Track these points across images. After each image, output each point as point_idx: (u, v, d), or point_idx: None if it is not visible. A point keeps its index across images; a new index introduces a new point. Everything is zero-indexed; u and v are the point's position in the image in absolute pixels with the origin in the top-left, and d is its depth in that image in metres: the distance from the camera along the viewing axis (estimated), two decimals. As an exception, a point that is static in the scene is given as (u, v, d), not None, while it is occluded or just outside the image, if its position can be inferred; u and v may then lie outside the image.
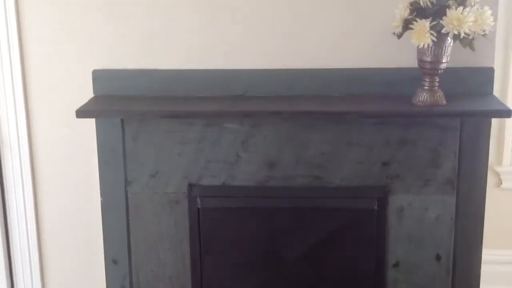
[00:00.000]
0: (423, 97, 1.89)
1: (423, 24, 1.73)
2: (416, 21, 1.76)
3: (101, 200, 2.22)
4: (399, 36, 1.84)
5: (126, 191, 2.14)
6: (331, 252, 2.12)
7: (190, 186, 2.09)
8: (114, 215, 2.19)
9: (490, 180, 2.57)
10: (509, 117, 1.84)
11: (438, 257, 2.09)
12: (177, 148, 2.06)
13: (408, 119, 1.96)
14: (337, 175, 2.04)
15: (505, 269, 2.66)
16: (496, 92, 2.16)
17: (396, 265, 2.11)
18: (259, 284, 2.18)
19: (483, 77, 2.01)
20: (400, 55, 1.97)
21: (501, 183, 2.60)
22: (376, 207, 2.03)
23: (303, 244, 2.12)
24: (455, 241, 2.13)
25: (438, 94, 1.89)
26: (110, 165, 2.13)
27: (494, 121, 2.52)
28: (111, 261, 2.25)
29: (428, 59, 1.84)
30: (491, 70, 2.00)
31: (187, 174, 2.09)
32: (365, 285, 2.13)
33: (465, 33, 1.70)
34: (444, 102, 1.90)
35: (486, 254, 2.63)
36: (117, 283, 2.25)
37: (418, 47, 1.82)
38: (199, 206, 2.10)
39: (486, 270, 2.63)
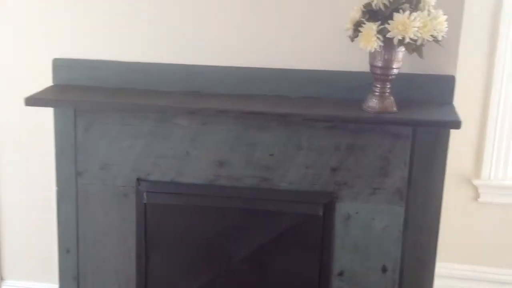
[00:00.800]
0: (372, 103, 1.86)
1: (371, 28, 1.71)
2: (366, 24, 1.74)
3: (56, 190, 2.23)
4: (352, 39, 1.82)
5: (76, 182, 2.14)
6: (276, 256, 2.09)
7: (138, 180, 2.08)
8: (67, 205, 2.19)
9: (468, 193, 2.56)
10: (457, 128, 1.80)
11: (384, 269, 2.05)
12: (128, 141, 2.06)
13: (358, 125, 1.94)
14: (285, 178, 2.02)
15: (481, 286, 2.60)
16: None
17: (340, 274, 2.07)
18: (203, 283, 2.15)
19: (444, 85, 1.97)
20: (359, 58, 1.93)
21: (479, 197, 2.55)
22: (321, 213, 2.00)
23: (248, 246, 2.09)
24: (405, 254, 2.09)
25: (388, 100, 1.86)
26: (65, 155, 2.14)
27: (473, 134, 2.51)
28: (64, 251, 2.25)
29: (379, 64, 1.81)
30: (451, 79, 1.96)
31: (136, 168, 2.08)
32: (310, 292, 2.10)
33: (411, 39, 1.68)
34: (395, 109, 1.87)
35: (462, 269, 2.61)
36: (70, 273, 2.25)
37: (369, 51, 1.81)
38: (145, 201, 2.09)
39: (461, 286, 2.60)
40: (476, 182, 2.52)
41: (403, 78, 1.95)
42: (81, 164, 2.11)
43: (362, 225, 2.03)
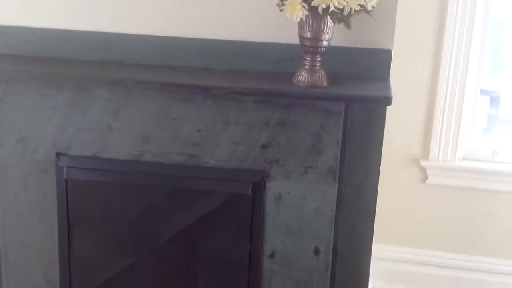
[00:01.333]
0: (302, 77, 1.75)
1: (296, -5, 1.59)
2: (291, -9, 1.62)
3: (-26, 164, 2.11)
4: (280, 8, 1.70)
5: (-6, 156, 2.02)
6: (205, 237, 1.99)
7: (58, 155, 1.96)
8: (-13, 181, 2.08)
9: (416, 175, 2.47)
10: (388, 104, 1.70)
11: (316, 251, 1.95)
12: (45, 113, 1.92)
13: (289, 100, 1.83)
14: (213, 155, 1.90)
15: (427, 270, 2.53)
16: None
17: (272, 255, 1.98)
18: (128, 264, 2.04)
19: (380, 60, 1.86)
20: (290, 29, 1.80)
21: (427, 179, 2.47)
22: (250, 192, 1.90)
23: (176, 225, 1.98)
24: (339, 236, 2.00)
25: (318, 74, 1.75)
26: (-17, 127, 2.02)
27: (421, 113, 2.42)
28: (-14, 229, 2.14)
29: (307, 35, 1.70)
30: (388, 53, 1.86)
31: (55, 142, 1.95)
32: (240, 274, 1.99)
33: (336, 7, 1.56)
34: (325, 83, 1.76)
35: (408, 253, 2.54)
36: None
37: (298, 22, 1.69)
38: (66, 177, 1.97)
39: (407, 269, 2.53)
40: (424, 163, 2.44)
41: (338, 51, 1.85)
42: (-3, 136, 1.99)
43: (294, 205, 1.92)
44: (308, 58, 1.75)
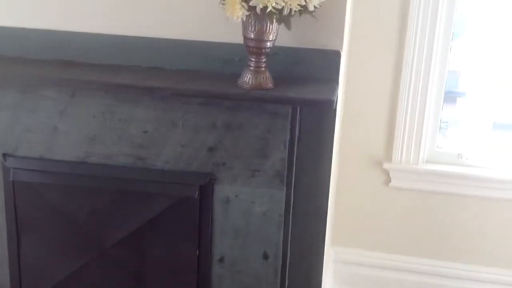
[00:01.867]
0: (247, 78, 1.71)
1: (235, -6, 1.55)
2: (231, -9, 1.58)
3: None
4: (223, 8, 1.66)
5: None
6: (152, 242, 1.95)
7: (4, 156, 1.93)
8: None
9: (379, 177, 2.43)
10: (330, 107, 1.66)
11: (265, 256, 1.92)
12: (-8, 113, 1.91)
13: (235, 102, 1.79)
14: (160, 157, 1.87)
15: (390, 274, 2.50)
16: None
17: (221, 260, 1.94)
18: (77, 266, 2.01)
19: (329, 61, 1.82)
20: (238, 29, 1.77)
21: (390, 181, 2.43)
22: (197, 196, 1.87)
23: (122, 229, 1.95)
24: (288, 241, 1.97)
25: (263, 76, 1.71)
26: None
27: (384, 115, 2.38)
28: None
29: (251, 36, 1.66)
30: (337, 54, 1.81)
31: (3, 142, 1.92)
32: (189, 279, 1.96)
33: (274, 8, 1.52)
34: (270, 85, 1.72)
35: (371, 256, 2.50)
36: None
37: (242, 22, 1.66)
38: (12, 179, 1.94)
39: (371, 274, 2.49)
40: (387, 165, 2.40)
41: (287, 52, 1.82)
42: None
43: (242, 209, 1.89)
44: (253, 59, 1.71)
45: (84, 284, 2.03)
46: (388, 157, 2.39)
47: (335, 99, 1.66)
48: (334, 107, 1.67)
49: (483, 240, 2.42)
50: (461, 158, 2.39)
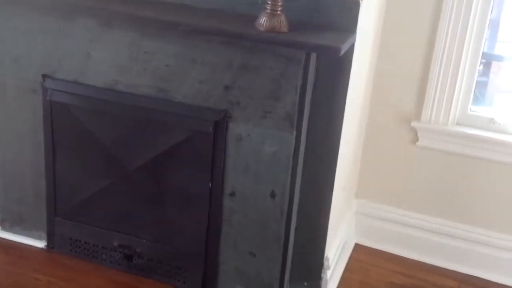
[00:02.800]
0: (262, 20, 1.76)
1: None
2: None
3: (-17, 79, 2.32)
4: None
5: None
6: (170, 170, 2.09)
7: (44, 77, 2.11)
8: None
9: (406, 135, 2.43)
10: (336, 54, 1.68)
11: (272, 194, 2.00)
12: (35, 36, 2.07)
13: (252, 44, 1.85)
14: (180, 91, 1.98)
15: (408, 231, 2.52)
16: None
17: (232, 194, 2.05)
18: (104, 185, 2.19)
19: (348, 11, 1.82)
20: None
21: (418, 140, 2.40)
22: (211, 130, 1.97)
23: (144, 154, 2.09)
24: (300, 183, 2.05)
25: (279, 19, 1.75)
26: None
27: (416, 73, 2.35)
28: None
29: (268, -22, 1.71)
30: (355, 5, 1.81)
31: (43, 64, 2.10)
32: (201, 208, 2.09)
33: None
34: (285, 29, 1.76)
35: (391, 212, 2.52)
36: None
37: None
38: (50, 99, 2.12)
39: (389, 228, 2.52)
40: (415, 124, 2.37)
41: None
42: (-4, 55, 2.17)
43: (253, 148, 1.97)
44: (270, 2, 1.75)
45: (109, 202, 2.21)
46: (418, 116, 2.36)
47: (342, 47, 1.68)
48: (339, 54, 1.69)
49: (508, 207, 2.37)
50: (493, 123, 2.31)
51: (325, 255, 2.14)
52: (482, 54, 2.27)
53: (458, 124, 2.35)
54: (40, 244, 2.36)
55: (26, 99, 2.17)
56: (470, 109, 2.35)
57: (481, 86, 2.43)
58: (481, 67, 2.36)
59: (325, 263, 2.15)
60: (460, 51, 2.22)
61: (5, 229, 2.41)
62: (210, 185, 2.05)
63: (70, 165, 2.22)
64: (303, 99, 1.89)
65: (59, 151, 2.21)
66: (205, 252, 2.14)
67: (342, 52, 1.70)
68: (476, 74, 2.30)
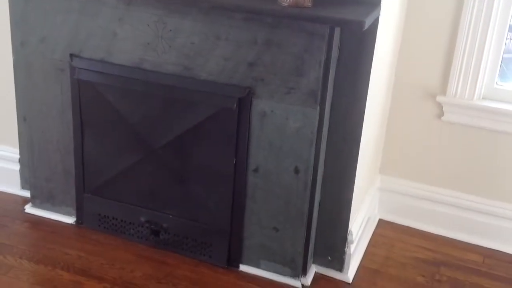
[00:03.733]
0: (286, -4, 1.77)
1: None
2: None
3: (12, 59, 2.36)
4: None
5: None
6: (195, 147, 2.12)
7: (71, 56, 2.14)
8: (21, 75, 2.32)
9: (432, 110, 2.42)
10: (360, 29, 1.67)
11: (296, 170, 2.02)
12: (61, 16, 2.10)
13: (275, 19, 1.85)
14: (205, 68, 1.99)
15: (433, 206, 2.52)
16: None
17: (256, 170, 2.07)
18: (131, 162, 2.23)
19: (372, -15, 1.83)
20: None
21: (443, 115, 2.39)
22: (235, 107, 1.98)
23: (170, 132, 2.12)
24: (324, 159, 2.06)
25: (303, -6, 1.76)
26: (17, 26, 2.23)
27: (442, 47, 2.33)
28: (22, 119, 2.41)
29: (291, -46, 1.70)
30: (380, -22, 1.81)
31: (70, 43, 2.14)
32: (226, 184, 2.11)
33: None
34: (309, 4, 1.76)
35: (416, 188, 2.53)
36: (25, 139, 2.42)
37: None
38: (77, 78, 2.15)
39: (414, 204, 2.52)
40: (440, 98, 2.36)
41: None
42: (23, 35, 2.20)
43: (277, 124, 1.99)
44: (293, -22, 1.75)
45: (136, 179, 2.25)
46: (443, 90, 2.35)
47: (366, 21, 1.67)
48: (363, 29, 1.68)
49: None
50: (520, 97, 2.30)
51: (349, 229, 2.16)
52: (510, 28, 2.23)
53: (484, 98, 2.33)
54: (70, 220, 2.43)
55: (54, 79, 2.21)
56: (497, 83, 2.33)
57: (509, 61, 2.39)
58: (508, 41, 2.33)
59: (349, 237, 2.17)
60: (486, 24, 2.20)
61: (35, 205, 2.48)
62: (234, 161, 2.08)
63: (98, 143, 2.26)
64: (326, 74, 1.89)
65: (87, 129, 2.25)
66: (230, 227, 2.17)
67: (366, 26, 1.70)
68: (503, 47, 2.27)
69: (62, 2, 2.07)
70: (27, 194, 2.52)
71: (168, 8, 1.96)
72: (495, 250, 2.44)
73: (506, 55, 2.38)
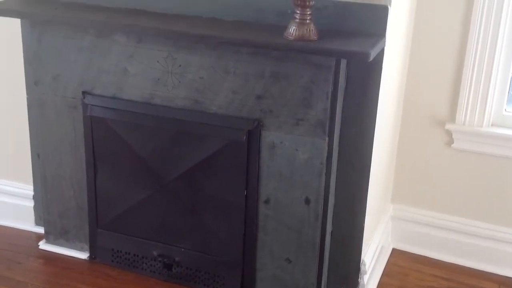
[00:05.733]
0: (292, 29, 1.80)
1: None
2: None
3: (26, 98, 2.41)
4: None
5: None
6: (206, 180, 2.14)
7: (84, 93, 2.19)
8: (35, 113, 2.36)
9: (441, 138, 2.42)
10: (367, 60, 1.70)
11: (307, 200, 2.03)
12: (73, 54, 2.15)
13: (281, 53, 1.88)
14: (214, 102, 2.03)
15: (446, 234, 2.50)
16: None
17: (267, 201, 2.08)
18: (143, 196, 2.25)
19: (376, 16, 1.85)
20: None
21: (453, 143, 2.39)
22: (245, 140, 2.00)
23: (181, 165, 2.15)
24: (334, 188, 2.07)
25: (308, 28, 1.78)
26: (31, 64, 2.29)
27: (449, 74, 2.36)
28: (36, 155, 2.45)
29: (296, -11, 1.75)
30: (384, 9, 1.84)
31: (82, 81, 2.18)
32: (238, 216, 2.12)
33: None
34: (314, 37, 1.79)
35: (428, 216, 2.51)
36: (38, 175, 2.46)
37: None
38: (89, 114, 2.20)
39: (425, 232, 2.51)
40: (450, 126, 2.37)
41: (337, 6, 1.88)
42: (37, 74, 2.25)
43: (287, 155, 2.01)
44: (298, 11, 1.79)
45: (148, 213, 2.27)
46: (452, 118, 2.36)
47: (372, 52, 1.70)
48: (369, 60, 1.71)
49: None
50: (529, 123, 2.30)
51: (362, 260, 2.15)
52: (517, 53, 2.26)
53: (493, 125, 2.34)
54: (83, 255, 2.44)
55: (67, 116, 2.26)
56: (505, 110, 2.34)
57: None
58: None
59: (362, 268, 2.16)
60: (492, 51, 2.22)
61: (49, 241, 2.50)
62: (245, 193, 2.09)
63: (110, 178, 2.29)
64: (334, 105, 1.92)
65: (100, 165, 2.28)
66: (242, 259, 2.17)
67: (372, 57, 1.73)
68: (511, 74, 2.29)
69: (74, 41, 2.13)
70: (41, 230, 2.54)
71: (177, 45, 2.01)
72: (510, 277, 2.41)
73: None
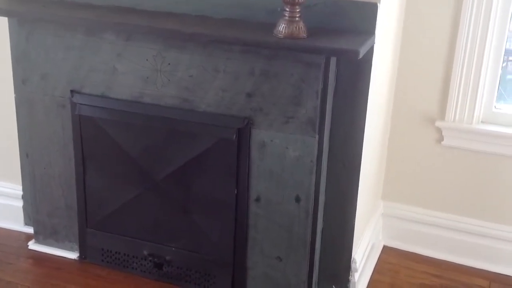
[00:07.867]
0: (281, 27, 1.79)
1: None
2: None
3: (14, 97, 2.39)
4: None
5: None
6: (197, 178, 2.13)
7: (72, 92, 2.17)
8: (23, 112, 2.34)
9: (431, 135, 2.43)
10: (356, 58, 1.69)
11: (297, 198, 2.02)
12: (62, 53, 2.13)
13: (271, 51, 1.88)
14: (204, 100, 2.02)
15: (435, 231, 2.51)
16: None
17: (257, 200, 2.07)
18: (132, 195, 2.24)
19: (366, 13, 1.85)
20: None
21: (443, 140, 2.39)
22: (235, 138, 2.00)
23: (171, 164, 2.14)
24: (324, 186, 2.07)
25: (297, 26, 1.78)
26: (19, 63, 2.26)
27: (439, 71, 2.36)
28: (24, 155, 2.43)
29: (285, -14, 1.74)
30: (374, 6, 1.84)
31: (71, 80, 2.17)
32: (228, 214, 2.12)
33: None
34: (303, 35, 1.79)
35: (417, 213, 2.52)
36: (27, 175, 2.43)
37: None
38: (78, 113, 2.18)
39: (416, 229, 2.51)
40: (440, 123, 2.37)
41: (326, 4, 1.88)
42: (25, 72, 2.23)
43: (277, 153, 2.00)
44: (287, 9, 1.78)
45: (138, 212, 2.26)
46: (442, 115, 2.36)
47: (361, 50, 1.70)
48: (358, 58, 1.70)
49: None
50: (519, 120, 2.31)
51: (352, 257, 2.15)
52: (506, 51, 2.26)
53: (483, 122, 2.35)
54: (73, 255, 2.42)
55: (55, 115, 2.24)
56: (495, 107, 2.34)
57: (507, 84, 2.41)
58: (505, 64, 2.35)
59: (353, 265, 2.16)
60: (482, 48, 2.22)
61: (38, 241, 2.48)
62: (235, 191, 2.08)
63: (100, 177, 2.27)
64: (324, 103, 1.91)
65: (89, 164, 2.26)
66: (233, 258, 2.17)
67: (361, 55, 1.72)
68: (500, 71, 2.29)
69: (63, 40, 2.11)
70: (30, 230, 2.52)
71: (167, 43, 2.00)
72: (501, 274, 2.42)
73: (510, 76, 2.40)
